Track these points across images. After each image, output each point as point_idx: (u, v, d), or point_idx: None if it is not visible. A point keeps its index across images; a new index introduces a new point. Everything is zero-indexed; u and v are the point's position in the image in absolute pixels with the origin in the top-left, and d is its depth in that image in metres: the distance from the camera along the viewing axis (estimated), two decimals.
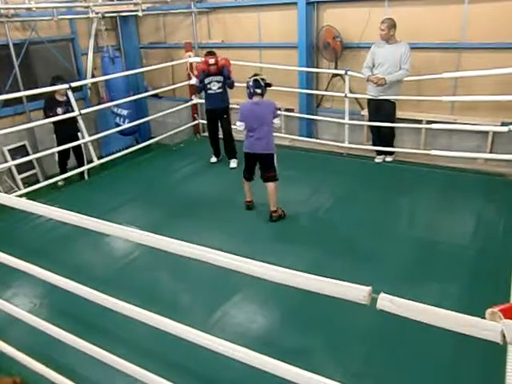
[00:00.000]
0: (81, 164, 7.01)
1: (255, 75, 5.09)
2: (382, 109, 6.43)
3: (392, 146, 6.70)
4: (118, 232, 2.24)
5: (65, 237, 4.85)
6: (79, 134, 6.79)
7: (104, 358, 2.60)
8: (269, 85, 5.09)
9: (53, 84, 6.42)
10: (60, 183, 6.77)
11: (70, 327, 2.83)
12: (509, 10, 5.86)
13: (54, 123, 6.66)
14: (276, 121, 5.04)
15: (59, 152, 6.80)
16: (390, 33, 6.10)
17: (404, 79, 6.20)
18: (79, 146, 6.89)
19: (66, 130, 6.74)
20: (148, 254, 4.44)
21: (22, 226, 5.24)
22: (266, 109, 4.98)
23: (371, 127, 6.78)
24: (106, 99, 8.26)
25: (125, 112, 7.82)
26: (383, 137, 6.64)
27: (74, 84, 6.49)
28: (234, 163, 6.81)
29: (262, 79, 5.04)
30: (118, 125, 7.77)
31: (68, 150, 6.83)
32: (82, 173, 6.93)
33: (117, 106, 7.74)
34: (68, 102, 6.58)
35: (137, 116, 8.01)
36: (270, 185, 5.08)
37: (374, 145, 6.81)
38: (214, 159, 7.08)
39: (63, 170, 6.96)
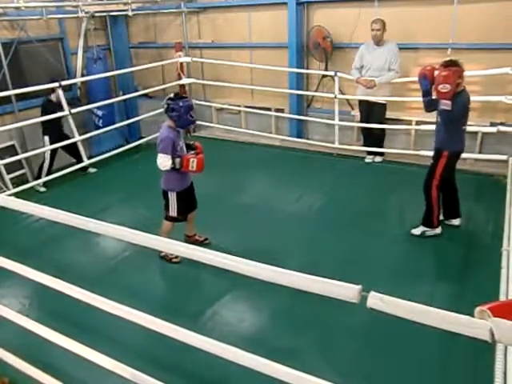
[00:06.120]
0: (79, 161, 6.88)
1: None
2: (373, 111, 6.46)
3: (382, 147, 6.73)
4: (110, 231, 2.23)
5: (55, 236, 4.83)
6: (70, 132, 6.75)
7: (93, 358, 2.59)
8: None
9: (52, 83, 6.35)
10: (42, 189, 6.49)
11: (60, 327, 2.81)
12: (498, 11, 5.91)
13: (51, 123, 6.48)
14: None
15: (52, 152, 6.59)
16: (383, 33, 6.12)
17: (393, 80, 6.25)
18: (75, 143, 6.79)
19: (60, 129, 6.69)
20: (138, 253, 4.43)
21: (11, 225, 5.19)
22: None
23: (362, 128, 6.82)
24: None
25: (100, 112, 7.87)
26: (374, 138, 6.67)
27: (63, 83, 6.47)
28: None
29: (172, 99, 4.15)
30: (96, 124, 7.88)
31: (57, 149, 6.73)
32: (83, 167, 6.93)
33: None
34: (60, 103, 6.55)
35: (122, 116, 8.08)
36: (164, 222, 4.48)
37: (365, 145, 6.84)
38: None
39: (49, 173, 6.61)
